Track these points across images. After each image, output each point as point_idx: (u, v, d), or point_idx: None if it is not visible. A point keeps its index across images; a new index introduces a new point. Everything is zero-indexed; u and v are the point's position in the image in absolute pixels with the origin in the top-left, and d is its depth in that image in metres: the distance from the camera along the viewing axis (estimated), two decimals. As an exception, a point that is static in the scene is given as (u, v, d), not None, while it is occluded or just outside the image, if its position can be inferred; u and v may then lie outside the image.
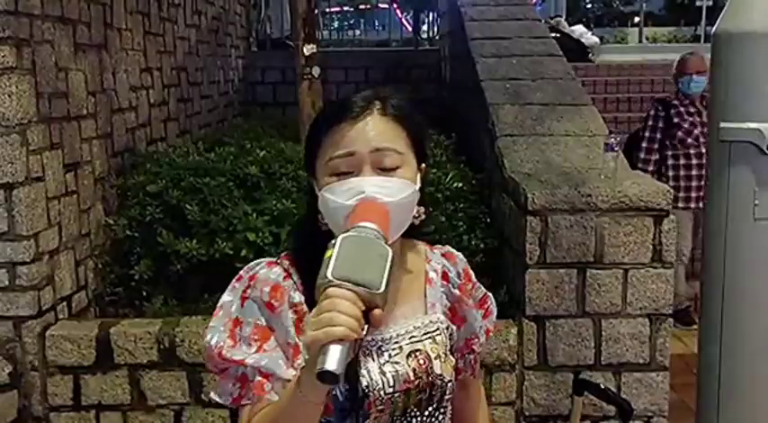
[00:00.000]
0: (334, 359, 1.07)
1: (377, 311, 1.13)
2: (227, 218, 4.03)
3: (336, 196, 1.31)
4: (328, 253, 1.15)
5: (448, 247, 1.56)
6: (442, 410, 1.41)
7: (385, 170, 1.33)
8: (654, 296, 3.51)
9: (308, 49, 4.94)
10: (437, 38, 9.48)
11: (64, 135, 3.88)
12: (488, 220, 4.23)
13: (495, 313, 1.61)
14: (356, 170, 1.32)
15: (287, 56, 7.69)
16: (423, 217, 1.42)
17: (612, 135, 3.71)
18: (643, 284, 3.50)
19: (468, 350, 1.53)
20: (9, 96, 3.44)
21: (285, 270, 1.37)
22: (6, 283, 3.53)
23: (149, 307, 4.02)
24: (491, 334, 1.61)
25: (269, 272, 1.38)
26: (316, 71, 4.99)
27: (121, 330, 3.64)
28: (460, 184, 4.23)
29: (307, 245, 1.36)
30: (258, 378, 1.31)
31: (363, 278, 1.11)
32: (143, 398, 3.64)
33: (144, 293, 4.12)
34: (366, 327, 1.12)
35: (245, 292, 1.37)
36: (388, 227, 1.24)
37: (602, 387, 2.09)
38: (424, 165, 1.43)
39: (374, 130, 1.34)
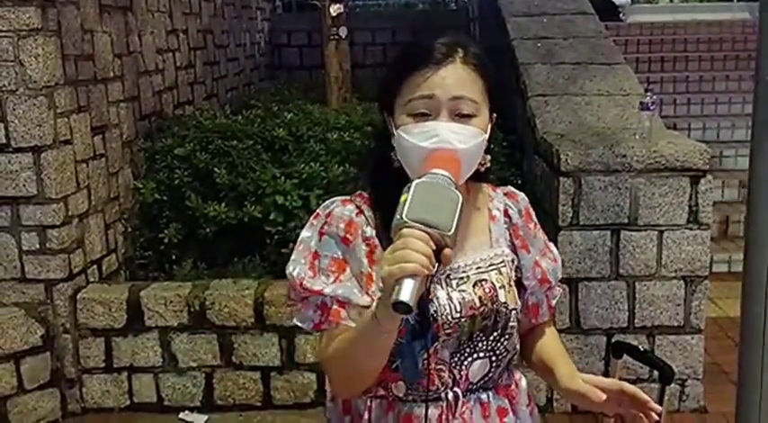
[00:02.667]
0: (407, 291, 1.17)
1: (447, 251, 1.21)
2: (255, 181, 4.00)
3: (412, 137, 1.38)
4: (403, 197, 1.24)
5: (510, 188, 1.63)
6: (506, 337, 1.48)
7: (461, 117, 1.38)
8: (689, 258, 3.45)
9: (335, 10, 4.88)
10: (464, -2, 9.31)
11: (91, 98, 3.86)
12: (520, 181, 4.17)
13: (560, 261, 1.63)
14: (434, 113, 1.38)
15: (313, 18, 7.60)
16: (488, 164, 1.49)
17: (648, 94, 3.61)
18: (678, 246, 3.43)
19: (536, 279, 1.55)
20: (36, 58, 3.42)
21: (358, 207, 1.47)
22: (37, 246, 3.55)
23: (179, 270, 4.02)
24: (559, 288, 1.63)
25: (343, 209, 1.47)
26: (343, 32, 4.94)
27: (152, 293, 3.64)
28: (491, 146, 4.14)
29: (379, 182, 1.48)
30: (335, 306, 1.42)
31: (435, 220, 1.20)
32: (174, 360, 3.66)
33: (173, 257, 4.13)
34: (437, 264, 1.21)
35: (322, 227, 1.47)
36: (459, 174, 1.33)
37: (642, 349, 2.04)
38: (495, 114, 1.47)
39: (455, 77, 1.39)
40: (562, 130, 3.80)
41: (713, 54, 7.84)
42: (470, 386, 1.48)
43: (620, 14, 9.91)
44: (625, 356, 2.23)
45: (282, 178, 4.01)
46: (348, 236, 1.45)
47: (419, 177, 1.27)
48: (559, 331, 3.47)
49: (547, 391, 3.61)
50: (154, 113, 4.69)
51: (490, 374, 1.50)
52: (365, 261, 1.43)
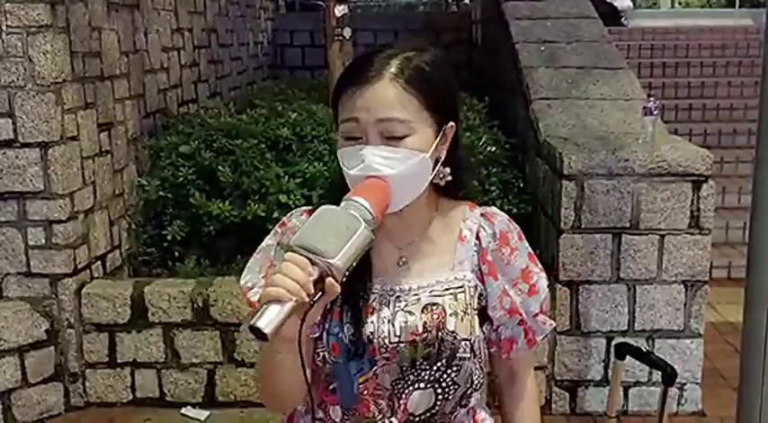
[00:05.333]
0: (266, 318, 1.12)
1: (328, 280, 1.16)
2: (258, 180, 4.03)
3: (345, 161, 1.33)
4: (307, 221, 1.22)
5: (491, 208, 1.50)
6: (454, 368, 1.37)
7: (392, 138, 1.30)
8: (690, 263, 3.47)
9: (340, 10, 4.89)
10: (467, 0, 9.35)
11: (98, 95, 3.88)
12: (521, 184, 4.20)
13: (544, 293, 1.47)
14: (363, 136, 1.31)
15: (316, 18, 7.63)
16: (449, 178, 1.39)
17: (651, 99, 3.64)
18: (679, 251, 3.46)
19: (503, 309, 1.43)
20: (44, 55, 3.44)
21: None
22: (43, 241, 3.57)
23: (182, 267, 4.05)
24: (543, 316, 1.48)
25: (299, 220, 1.43)
26: (347, 32, 4.94)
27: (155, 290, 3.67)
28: (494, 149, 4.19)
29: (332, 199, 1.35)
30: None
31: (320, 247, 1.16)
32: (177, 356, 3.68)
33: (176, 254, 4.15)
34: (319, 294, 1.16)
35: (279, 235, 1.44)
36: (386, 201, 1.28)
37: (645, 350, 2.07)
38: (451, 124, 1.38)
39: (381, 97, 1.30)
40: (565, 134, 3.83)
41: (715, 60, 7.89)
42: (411, 418, 1.39)
43: (622, 19, 9.95)
44: (627, 358, 2.26)
45: (286, 177, 4.04)
46: None
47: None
48: (560, 333, 3.55)
49: (546, 392, 3.64)
50: (158, 111, 4.71)
51: (437, 407, 1.39)
52: None
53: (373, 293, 1.37)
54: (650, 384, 3.57)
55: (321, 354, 1.36)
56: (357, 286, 1.34)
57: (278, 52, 7.91)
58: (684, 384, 3.58)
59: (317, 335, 1.36)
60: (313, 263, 1.16)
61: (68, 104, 3.58)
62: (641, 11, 14.63)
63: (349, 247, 1.17)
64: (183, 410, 3.68)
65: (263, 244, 1.45)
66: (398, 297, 1.37)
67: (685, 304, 3.52)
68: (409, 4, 11.02)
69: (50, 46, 3.45)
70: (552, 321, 1.53)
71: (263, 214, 3.95)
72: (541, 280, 1.48)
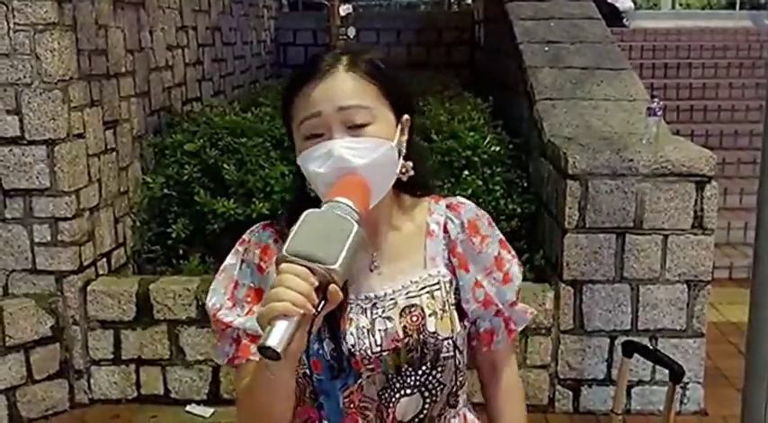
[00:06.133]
0: (276, 335, 1.06)
1: (332, 287, 1.10)
2: (263, 178, 4.05)
3: (310, 163, 1.28)
4: (292, 228, 1.13)
5: (456, 198, 1.46)
6: (439, 369, 1.34)
7: (355, 128, 1.28)
8: (693, 263, 3.49)
9: (344, 10, 4.92)
10: (470, 0, 9.36)
11: (104, 92, 3.90)
12: (525, 184, 4.21)
13: (518, 280, 1.44)
14: (326, 131, 1.27)
15: (319, 17, 7.66)
16: (411, 172, 1.35)
17: (655, 100, 3.66)
18: (682, 250, 3.48)
19: (477, 302, 1.40)
20: (51, 52, 3.46)
21: (277, 232, 1.37)
22: (48, 238, 3.58)
23: (186, 265, 4.06)
24: (522, 304, 1.46)
25: (261, 234, 1.38)
26: (351, 32, 4.98)
27: (161, 287, 3.68)
28: (498, 148, 4.20)
29: (295, 210, 1.27)
30: (245, 340, 1.31)
31: (318, 253, 1.09)
32: (182, 353, 3.70)
33: (180, 252, 4.16)
34: (323, 302, 1.11)
35: (243, 254, 1.38)
36: (367, 196, 1.23)
37: (652, 348, 2.08)
38: (407, 117, 1.36)
39: (339, 87, 1.28)
40: (569, 134, 3.84)
41: (717, 61, 7.91)
42: None
43: (624, 20, 9.96)
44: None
45: (291, 176, 4.05)
46: (262, 263, 1.34)
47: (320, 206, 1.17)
48: (563, 332, 3.57)
49: (549, 391, 3.66)
50: (163, 109, 4.73)
51: (425, 411, 1.36)
52: None
53: (349, 303, 1.32)
54: (653, 383, 3.59)
55: (301, 371, 1.28)
56: None
57: (280, 51, 7.93)
58: (687, 384, 3.60)
59: None
60: (312, 271, 1.09)
61: (75, 102, 3.60)
62: (642, 12, 14.63)
63: (347, 251, 1.11)
64: (188, 408, 3.69)
65: (226, 263, 1.39)
66: (375, 304, 1.33)
67: (688, 304, 3.54)
68: (410, 3, 11.04)
69: (57, 44, 3.46)
70: (532, 309, 1.49)
71: (267, 212, 3.96)
72: (514, 267, 1.44)
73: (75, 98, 3.59)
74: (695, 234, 3.47)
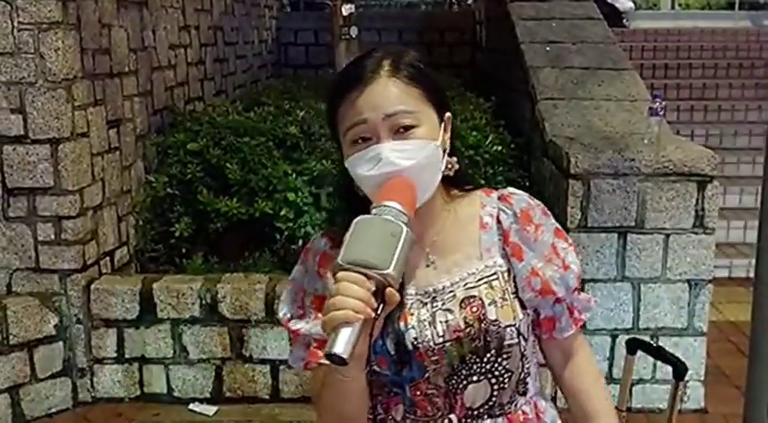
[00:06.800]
0: (341, 342, 1.11)
1: (389, 290, 1.15)
2: (266, 178, 4.06)
3: (358, 167, 1.32)
4: (345, 236, 1.19)
5: (507, 189, 1.49)
6: (504, 356, 1.36)
7: (401, 132, 1.31)
8: (694, 262, 3.51)
9: (347, 10, 4.93)
10: (471, 1, 9.38)
11: (107, 92, 3.91)
12: (527, 184, 4.23)
13: (577, 267, 1.45)
14: (373, 136, 1.31)
15: (320, 17, 7.67)
16: (456, 167, 1.40)
17: (657, 100, 3.67)
18: (684, 250, 3.50)
19: (533, 290, 1.40)
20: (55, 51, 3.47)
21: (333, 239, 1.40)
22: (52, 237, 3.59)
23: (189, 264, 4.07)
24: (580, 294, 1.46)
25: (318, 242, 1.43)
26: (353, 32, 4.99)
27: (164, 286, 3.69)
28: (500, 148, 4.22)
29: (346, 212, 1.36)
30: (314, 346, 1.37)
31: (372, 260, 1.14)
32: (185, 352, 3.71)
33: (183, 251, 4.17)
34: (381, 305, 1.16)
35: (305, 264, 1.43)
36: (414, 198, 1.27)
37: (655, 345, 2.10)
38: (448, 114, 1.40)
39: (383, 94, 1.31)
40: (571, 134, 3.86)
41: (717, 61, 7.93)
42: (470, 412, 1.38)
43: (624, 20, 9.98)
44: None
45: (294, 175, 4.06)
46: (320, 270, 1.39)
47: (370, 210, 1.22)
48: (565, 331, 3.57)
49: (551, 389, 3.67)
50: (165, 108, 4.74)
51: (494, 398, 1.38)
52: None
53: (408, 299, 1.35)
54: (654, 382, 3.61)
55: (369, 368, 1.32)
56: None
57: (282, 51, 7.93)
58: (688, 382, 3.61)
59: None
60: (368, 277, 1.14)
61: (79, 101, 3.61)
62: (641, 12, 14.67)
63: (399, 254, 1.15)
64: (191, 406, 3.70)
65: (293, 275, 1.45)
66: (434, 298, 1.36)
67: (689, 303, 3.55)
68: (411, 3, 11.05)
69: (61, 43, 3.48)
70: (595, 297, 1.52)
71: (270, 211, 3.98)
72: (571, 255, 1.45)
73: (78, 97, 3.61)
74: (696, 233, 3.48)
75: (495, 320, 1.34)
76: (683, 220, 3.47)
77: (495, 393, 1.38)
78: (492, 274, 1.38)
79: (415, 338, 1.33)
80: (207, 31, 5.62)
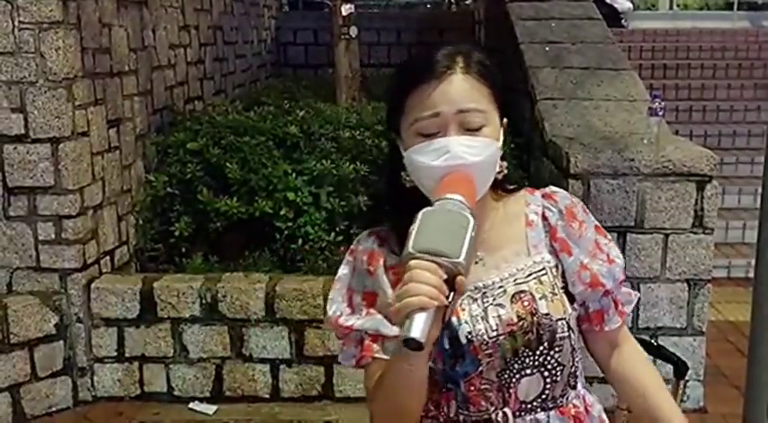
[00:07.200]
0: (417, 327, 1.14)
1: (459, 279, 1.17)
2: (266, 177, 4.06)
3: (423, 156, 1.34)
4: (411, 227, 1.21)
5: (549, 188, 1.53)
6: (557, 349, 1.39)
7: (470, 130, 1.34)
8: (693, 261, 3.51)
9: (346, 9, 4.93)
10: (470, 1, 9.39)
11: (107, 91, 3.91)
12: (527, 184, 4.22)
13: (621, 261, 1.49)
14: (442, 130, 1.34)
15: (319, 17, 7.67)
16: (505, 171, 1.43)
17: (657, 100, 3.68)
18: (683, 250, 3.50)
19: (584, 284, 1.44)
20: (56, 51, 3.47)
21: (380, 237, 1.45)
22: (53, 236, 3.60)
23: (189, 263, 4.07)
24: (623, 288, 1.50)
25: (366, 241, 1.46)
26: (353, 31, 4.99)
27: (164, 285, 3.70)
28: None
29: (396, 207, 1.42)
30: (368, 340, 1.40)
31: (443, 248, 1.17)
32: (185, 351, 3.71)
33: (183, 250, 4.18)
34: (452, 294, 1.18)
35: (353, 263, 1.46)
36: (474, 192, 1.29)
37: (656, 344, 2.10)
38: (505, 119, 1.42)
39: (458, 90, 1.34)
40: (570, 134, 3.87)
41: (715, 62, 7.95)
42: (523, 405, 1.40)
43: (623, 21, 9.99)
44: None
45: (294, 175, 4.07)
46: (370, 267, 1.42)
47: (433, 201, 1.25)
48: (565, 330, 3.58)
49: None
50: (165, 108, 4.74)
51: (546, 392, 1.41)
52: (389, 291, 1.39)
53: None
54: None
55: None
56: None
57: (281, 50, 7.93)
58: (687, 381, 3.61)
59: None
60: (439, 265, 1.16)
61: (79, 100, 3.61)
62: (639, 12, 14.67)
63: (468, 243, 1.18)
64: (191, 405, 3.71)
65: (339, 274, 1.47)
66: (484, 293, 1.39)
67: (688, 302, 3.56)
68: (411, 3, 11.06)
69: (62, 42, 3.48)
70: (636, 292, 1.55)
71: (270, 211, 3.98)
72: (614, 249, 1.49)
73: (79, 96, 3.61)
74: (695, 233, 3.49)
75: (547, 314, 1.38)
76: (682, 219, 3.48)
77: (548, 386, 1.40)
78: (541, 270, 1.42)
79: (469, 332, 1.36)
80: (206, 31, 5.63)
